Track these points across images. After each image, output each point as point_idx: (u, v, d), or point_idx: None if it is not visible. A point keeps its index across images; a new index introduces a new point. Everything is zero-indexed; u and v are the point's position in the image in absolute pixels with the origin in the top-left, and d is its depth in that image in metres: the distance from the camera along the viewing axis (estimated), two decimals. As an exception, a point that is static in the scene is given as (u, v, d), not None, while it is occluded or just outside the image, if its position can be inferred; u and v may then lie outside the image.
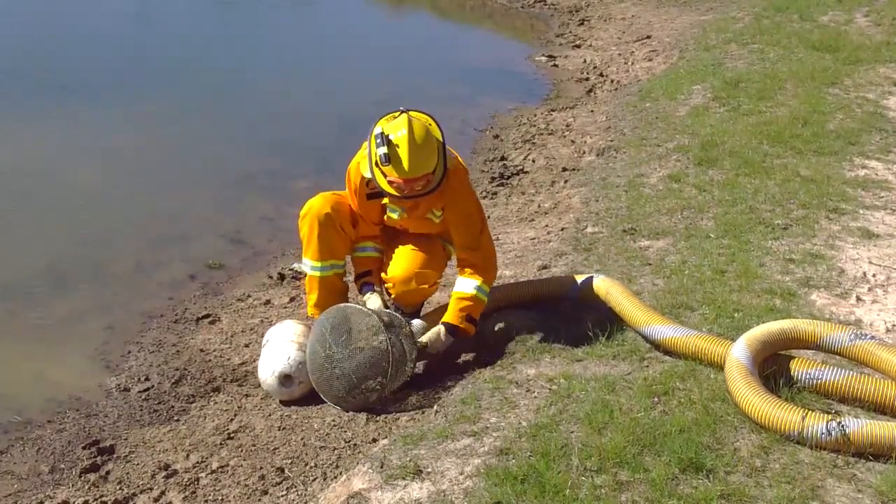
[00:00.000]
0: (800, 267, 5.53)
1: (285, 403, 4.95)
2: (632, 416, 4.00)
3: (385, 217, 5.18)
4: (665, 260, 5.72)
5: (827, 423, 3.72)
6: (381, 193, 4.96)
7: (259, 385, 5.09)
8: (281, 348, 4.97)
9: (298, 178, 8.13)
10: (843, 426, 3.70)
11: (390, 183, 4.77)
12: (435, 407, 4.59)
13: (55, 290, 6.39)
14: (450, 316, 5.07)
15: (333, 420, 4.75)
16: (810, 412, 3.80)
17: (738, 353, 4.12)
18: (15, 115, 9.28)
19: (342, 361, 4.73)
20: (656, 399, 4.14)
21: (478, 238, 5.15)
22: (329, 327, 4.81)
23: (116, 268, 6.71)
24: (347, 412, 4.76)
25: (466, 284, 5.07)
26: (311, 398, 4.94)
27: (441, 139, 4.86)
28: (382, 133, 4.68)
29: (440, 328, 5.06)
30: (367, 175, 4.90)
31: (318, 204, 5.14)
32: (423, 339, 4.99)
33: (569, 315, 5.10)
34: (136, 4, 15.68)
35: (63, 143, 8.89)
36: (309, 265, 5.24)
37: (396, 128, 4.69)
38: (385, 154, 4.63)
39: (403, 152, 4.65)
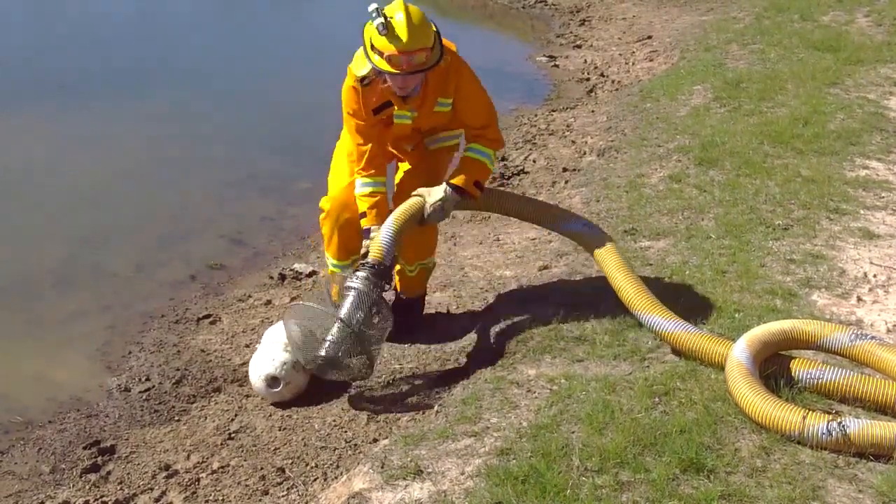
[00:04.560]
0: (801, 267, 5.52)
1: (280, 406, 4.95)
2: (633, 416, 4.00)
3: (394, 128, 5.12)
4: (666, 260, 5.72)
5: (828, 423, 3.72)
6: (388, 104, 4.94)
7: (260, 386, 5.11)
8: (267, 350, 4.97)
9: (299, 179, 8.12)
10: (843, 426, 3.70)
11: (388, 59, 4.69)
12: (436, 407, 4.59)
13: (56, 290, 6.40)
14: (458, 179, 5.06)
15: (334, 420, 4.76)
16: (811, 412, 3.80)
17: (738, 353, 4.12)
18: (15, 114, 9.27)
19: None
20: (657, 399, 4.14)
21: (490, 114, 5.17)
22: (298, 339, 4.76)
23: (117, 268, 6.71)
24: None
25: (479, 151, 5.14)
26: (304, 399, 4.95)
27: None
28: (378, 8, 4.65)
29: (444, 187, 5.05)
30: (363, 72, 4.87)
31: (337, 204, 5.19)
32: (429, 202, 4.99)
33: (570, 315, 5.10)
34: (138, 2, 15.68)
35: (63, 143, 8.89)
36: (331, 262, 5.31)
37: (392, 8, 4.69)
38: (382, 24, 4.60)
39: (401, 24, 4.63)
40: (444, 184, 5.07)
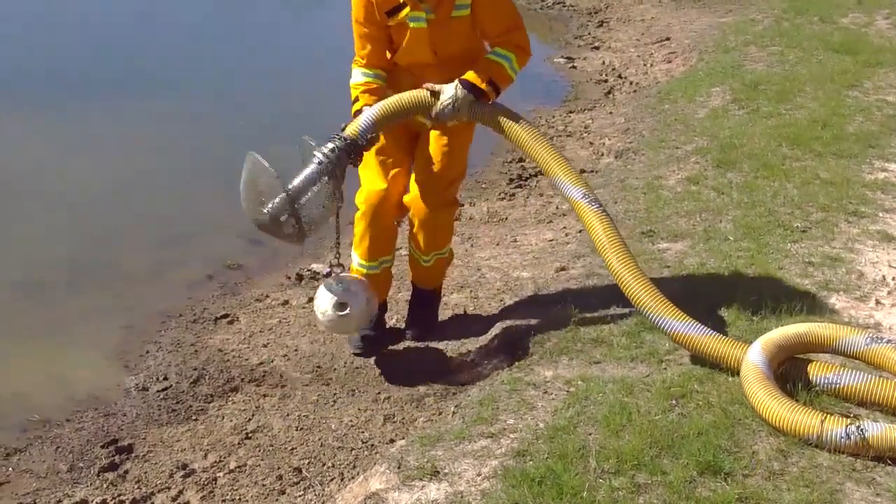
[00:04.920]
0: (819, 270, 5.50)
1: (298, 407, 4.95)
2: (650, 418, 3.99)
3: (410, 37, 4.89)
4: (684, 262, 5.71)
5: (846, 426, 3.71)
6: (402, 5, 4.77)
7: (276, 384, 5.15)
8: (321, 290, 4.99)
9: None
10: (862, 430, 3.68)
11: None
12: (452, 408, 4.59)
13: (74, 288, 6.41)
14: (471, 74, 4.79)
15: (351, 421, 4.77)
16: (829, 416, 3.79)
17: (754, 356, 4.11)
18: (28, 114, 9.29)
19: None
20: (674, 402, 4.13)
21: (513, 17, 4.90)
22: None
23: (135, 267, 6.72)
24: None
25: (499, 54, 4.87)
26: (320, 399, 4.96)
27: None
28: None
29: (456, 83, 4.79)
30: None
31: (370, 208, 5.16)
32: (442, 99, 4.78)
33: (587, 317, 5.09)
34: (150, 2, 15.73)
35: (80, 141, 8.92)
36: (357, 261, 5.30)
37: None
38: None
39: None
40: (456, 80, 4.80)
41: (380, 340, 5.54)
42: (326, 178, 4.65)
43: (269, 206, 4.64)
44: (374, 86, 4.97)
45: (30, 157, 8.46)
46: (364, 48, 4.96)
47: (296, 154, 4.79)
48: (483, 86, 4.80)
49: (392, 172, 5.16)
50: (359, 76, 5.02)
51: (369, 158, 5.09)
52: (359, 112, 4.87)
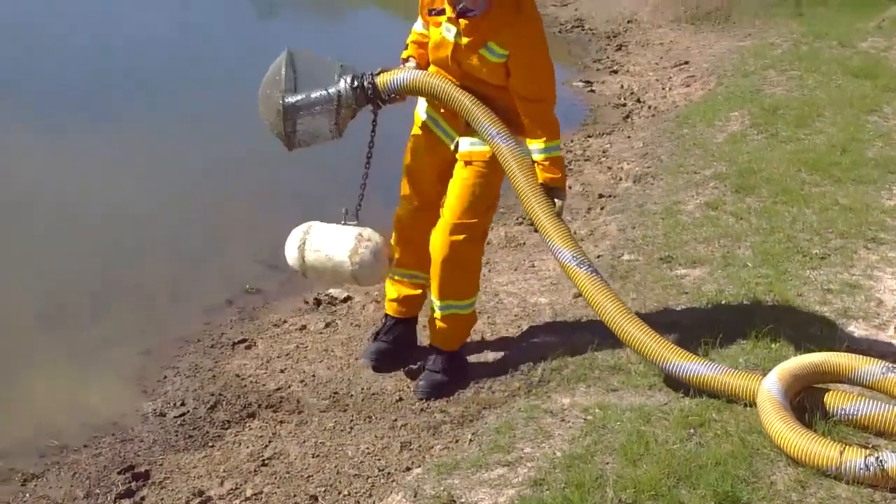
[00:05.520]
0: (838, 297, 5.48)
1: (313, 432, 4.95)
2: (667, 447, 3.98)
3: (437, 41, 4.91)
4: (702, 289, 5.70)
5: (865, 458, 3.68)
6: (443, 11, 4.78)
7: (293, 410, 5.14)
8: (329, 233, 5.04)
9: (337, 203, 8.13)
10: (881, 461, 3.66)
11: None
12: (469, 435, 4.58)
13: (92, 313, 6.43)
14: (554, 181, 4.80)
15: (367, 448, 4.76)
16: (848, 447, 3.76)
17: (769, 386, 4.08)
18: (50, 137, 9.32)
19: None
20: (692, 431, 4.12)
21: (547, 90, 4.86)
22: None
23: (153, 291, 6.74)
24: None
25: (549, 149, 4.80)
26: (337, 426, 4.95)
27: None
28: None
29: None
30: None
31: (401, 226, 5.32)
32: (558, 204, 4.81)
33: (604, 344, 5.08)
34: (174, 20, 15.78)
35: (99, 166, 8.91)
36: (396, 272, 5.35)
37: None
38: None
39: None
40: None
41: (395, 355, 5.51)
42: (335, 106, 4.85)
43: (280, 98, 4.87)
44: (426, 41, 5.03)
45: (49, 180, 8.47)
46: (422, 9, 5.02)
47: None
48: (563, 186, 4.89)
49: (424, 198, 5.23)
50: (418, 26, 5.10)
51: (406, 168, 5.24)
52: (405, 61, 5.07)
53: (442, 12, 4.80)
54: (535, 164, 4.80)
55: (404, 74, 4.92)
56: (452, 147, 5.03)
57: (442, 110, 5.03)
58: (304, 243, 4.94)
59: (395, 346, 5.52)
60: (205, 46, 14.08)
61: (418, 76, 4.92)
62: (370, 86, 4.88)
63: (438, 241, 4.99)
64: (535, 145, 4.81)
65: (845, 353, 4.35)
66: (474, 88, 4.87)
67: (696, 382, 4.40)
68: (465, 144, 4.99)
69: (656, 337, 4.49)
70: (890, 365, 4.19)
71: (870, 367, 4.16)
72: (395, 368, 5.48)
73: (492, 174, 4.96)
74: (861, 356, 4.32)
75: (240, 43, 14.54)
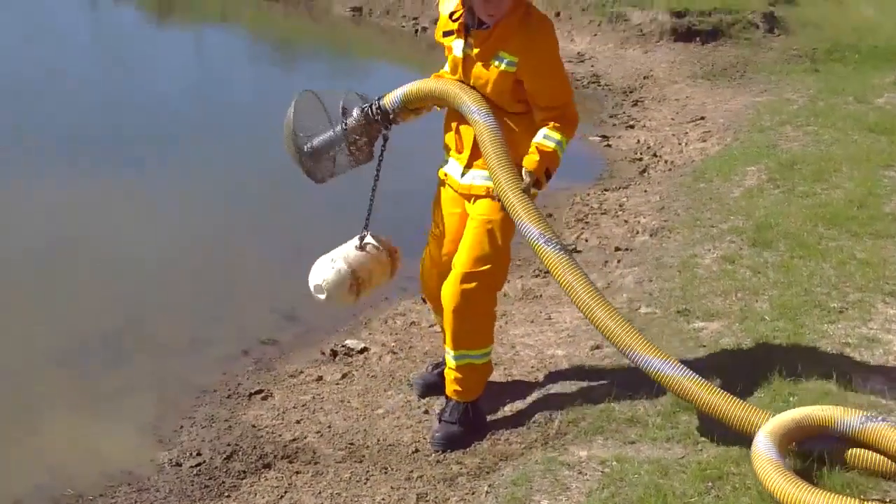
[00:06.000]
0: (856, 351, 5.46)
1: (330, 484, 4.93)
2: (685, 501, 3.96)
3: (451, 61, 5.00)
4: (719, 342, 5.69)
5: None
6: (452, 32, 4.90)
7: (309, 461, 5.13)
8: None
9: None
10: None
11: None
12: (486, 488, 4.57)
13: (109, 361, 6.45)
14: (530, 163, 4.78)
15: (383, 499, 4.74)
16: (867, 501, 3.73)
17: (762, 448, 4.02)
18: (66, 182, 9.41)
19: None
20: (710, 484, 4.10)
21: (564, 94, 4.89)
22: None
23: (170, 341, 6.76)
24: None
25: (548, 138, 4.82)
26: (352, 478, 4.93)
27: None
28: None
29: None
30: (443, 9, 4.97)
31: (423, 279, 5.51)
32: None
33: (622, 396, 5.07)
34: (194, 68, 15.93)
35: (118, 214, 9.01)
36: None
37: None
38: None
39: None
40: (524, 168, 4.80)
41: (440, 386, 5.48)
42: (346, 142, 5.10)
43: (294, 148, 5.17)
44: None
45: (69, 228, 8.55)
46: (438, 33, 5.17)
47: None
48: (542, 179, 4.87)
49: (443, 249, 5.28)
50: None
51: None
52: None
53: (451, 33, 4.94)
54: (541, 150, 4.82)
55: (405, 86, 5.06)
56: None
57: (454, 147, 5.13)
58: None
59: (442, 379, 5.46)
60: (222, 95, 14.22)
61: (417, 83, 5.07)
62: (377, 110, 5.05)
63: (449, 291, 4.98)
64: (553, 136, 4.84)
65: (825, 406, 4.30)
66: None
67: (655, 378, 4.39)
68: (469, 178, 5.07)
69: (624, 323, 4.46)
70: (868, 415, 4.15)
71: (849, 419, 4.12)
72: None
73: (503, 221, 4.94)
74: (840, 407, 4.27)
75: (257, 90, 14.69)
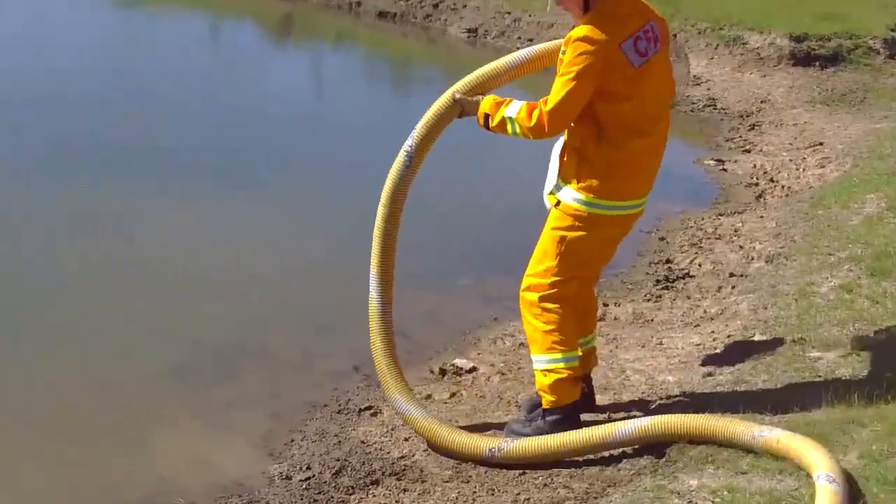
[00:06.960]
0: (981, 386, 5.32)
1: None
2: (798, 534, 3.89)
3: None
4: (836, 373, 5.58)
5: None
6: None
7: (417, 479, 5.15)
8: None
9: (461, 275, 8.20)
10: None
11: None
12: (595, 515, 4.54)
13: (222, 374, 6.57)
14: (487, 99, 5.19)
15: (493, 520, 4.74)
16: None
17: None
18: (180, 197, 9.58)
19: None
20: (824, 517, 4.01)
21: (551, 94, 4.94)
22: None
23: (282, 355, 6.86)
24: None
25: (514, 106, 5.07)
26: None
27: None
28: None
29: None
30: None
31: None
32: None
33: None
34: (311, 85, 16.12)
35: (234, 229, 9.15)
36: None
37: None
38: None
39: None
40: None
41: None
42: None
43: None
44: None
45: (186, 243, 8.71)
46: None
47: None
48: (478, 115, 5.26)
49: None
50: None
51: None
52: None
53: None
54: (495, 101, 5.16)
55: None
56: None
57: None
58: None
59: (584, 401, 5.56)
60: (337, 118, 14.35)
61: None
62: (409, 149, 5.62)
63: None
64: (522, 103, 5.06)
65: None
66: None
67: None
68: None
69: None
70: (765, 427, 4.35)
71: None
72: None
73: (566, 233, 5.12)
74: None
75: (374, 111, 14.82)
